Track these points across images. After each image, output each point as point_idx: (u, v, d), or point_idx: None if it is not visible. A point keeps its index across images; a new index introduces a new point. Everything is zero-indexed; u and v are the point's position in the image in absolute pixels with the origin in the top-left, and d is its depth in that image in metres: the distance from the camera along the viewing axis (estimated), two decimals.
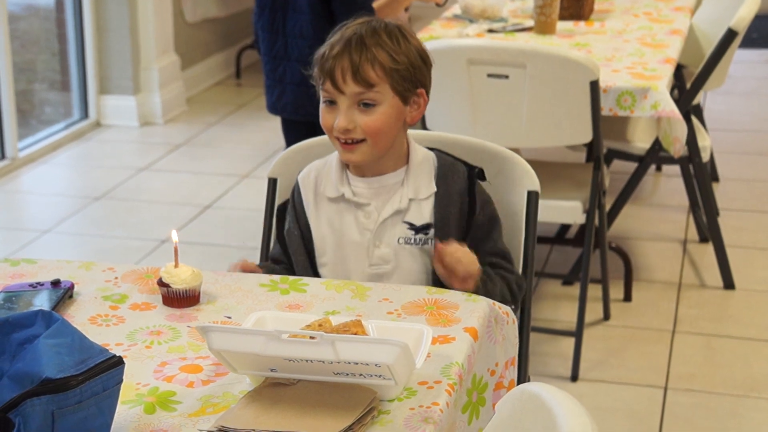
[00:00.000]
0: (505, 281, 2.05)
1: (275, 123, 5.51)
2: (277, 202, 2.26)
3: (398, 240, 2.05)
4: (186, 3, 5.94)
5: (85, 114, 5.54)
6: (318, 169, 2.12)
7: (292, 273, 2.10)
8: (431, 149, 2.11)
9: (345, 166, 2.09)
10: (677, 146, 3.17)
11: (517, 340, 1.93)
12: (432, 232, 2.04)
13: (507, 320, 1.89)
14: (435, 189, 2.05)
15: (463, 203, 2.05)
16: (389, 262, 2.05)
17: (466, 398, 1.71)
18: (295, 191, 2.14)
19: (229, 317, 1.82)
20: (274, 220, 2.22)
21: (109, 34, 5.47)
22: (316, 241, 2.10)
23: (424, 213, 2.05)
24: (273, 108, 3.64)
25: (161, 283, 1.85)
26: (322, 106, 2.02)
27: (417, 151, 2.09)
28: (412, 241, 2.05)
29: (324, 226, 2.09)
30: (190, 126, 5.56)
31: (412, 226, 2.05)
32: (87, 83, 5.50)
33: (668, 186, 4.68)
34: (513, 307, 2.02)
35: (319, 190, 2.10)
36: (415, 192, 2.05)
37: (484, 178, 2.10)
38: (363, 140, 2.01)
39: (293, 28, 3.47)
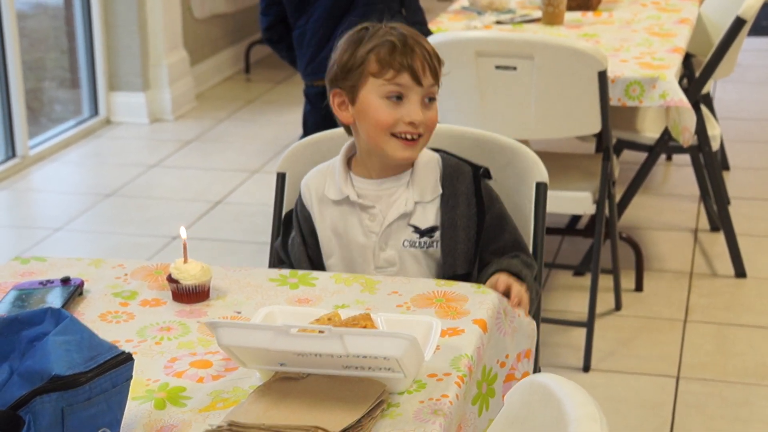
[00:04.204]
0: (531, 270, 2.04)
1: (285, 118, 5.53)
2: (286, 196, 2.26)
3: (403, 243, 2.04)
4: None
5: (94, 111, 5.55)
6: (322, 172, 2.11)
7: None
8: (435, 150, 2.10)
9: (348, 168, 2.07)
10: (686, 135, 3.16)
11: (534, 333, 1.93)
12: (437, 234, 2.03)
13: (518, 312, 1.89)
14: (441, 191, 2.04)
15: (470, 205, 2.03)
16: (394, 264, 2.04)
17: (476, 390, 1.71)
18: (298, 199, 2.13)
19: (239, 312, 1.82)
20: (280, 225, 2.22)
21: (118, 30, 5.48)
22: (323, 243, 2.09)
23: (428, 216, 2.03)
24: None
25: (171, 279, 1.86)
26: (384, 102, 1.98)
27: (422, 152, 2.07)
28: (417, 244, 2.03)
29: (328, 229, 2.08)
30: (200, 122, 5.57)
31: (416, 230, 2.03)
32: (96, 80, 5.51)
33: (678, 175, 4.67)
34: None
35: (323, 193, 2.08)
36: (421, 195, 2.03)
37: (490, 177, 2.08)
38: (420, 135, 2.00)
39: None
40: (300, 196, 2.12)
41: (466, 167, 2.07)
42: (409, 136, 1.99)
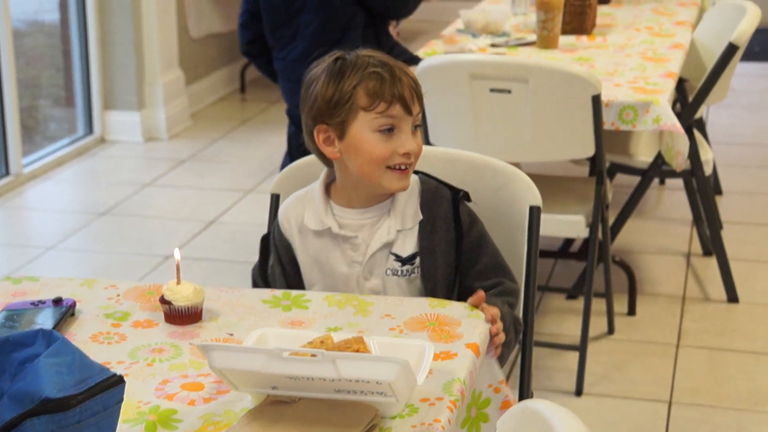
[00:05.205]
0: (511, 309, 2.01)
1: (280, 138, 5.53)
2: None
3: (386, 272, 2.02)
4: (190, 18, 5.96)
5: (89, 130, 5.55)
6: (300, 200, 2.07)
7: None
8: (415, 172, 2.07)
9: (328, 197, 2.04)
10: (679, 160, 3.17)
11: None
12: (418, 261, 2.01)
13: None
14: (421, 217, 2.01)
15: (449, 229, 2.01)
16: (379, 293, 2.01)
17: (465, 413, 1.71)
18: (275, 228, 2.09)
19: (231, 334, 1.82)
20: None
21: (114, 49, 5.49)
22: (305, 272, 2.06)
23: (409, 243, 2.01)
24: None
25: (163, 301, 1.85)
26: (377, 136, 1.94)
27: None
28: (399, 272, 2.01)
29: (309, 258, 2.05)
30: (194, 141, 5.57)
31: (398, 258, 2.01)
32: (91, 99, 5.52)
33: (671, 199, 4.68)
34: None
35: (303, 224, 2.04)
36: (402, 222, 2.00)
37: (469, 200, 2.05)
38: (411, 164, 1.98)
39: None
40: (278, 224, 2.08)
41: (446, 191, 2.04)
42: (403, 167, 1.96)
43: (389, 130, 1.95)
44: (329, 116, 1.96)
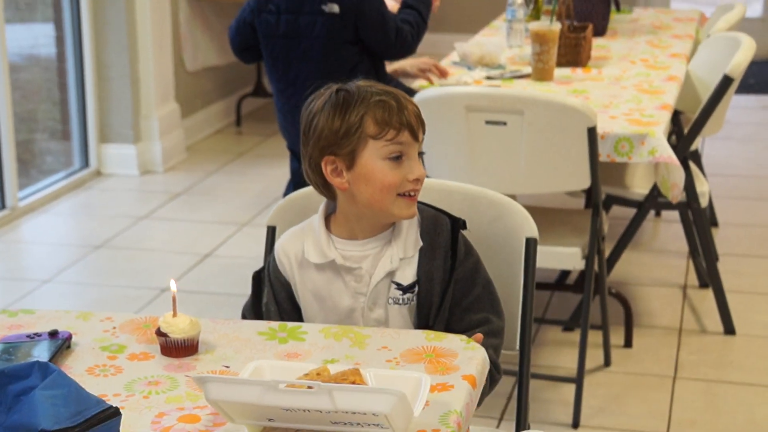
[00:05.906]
0: (495, 352, 2.01)
1: (275, 171, 5.54)
2: None
3: (389, 301, 2.01)
4: (186, 51, 5.98)
5: (85, 163, 5.56)
6: (297, 235, 2.06)
7: None
8: None
9: (328, 230, 2.03)
10: (675, 192, 3.18)
11: None
12: (416, 289, 2.00)
13: None
14: (421, 244, 2.01)
15: (447, 257, 2.01)
16: (383, 323, 2.01)
17: None
18: (271, 265, 2.07)
19: (228, 366, 1.81)
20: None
21: (110, 83, 5.51)
22: (305, 310, 2.05)
23: (409, 271, 2.01)
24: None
25: (159, 333, 1.85)
26: (387, 164, 1.94)
27: None
28: (401, 301, 2.01)
29: (309, 293, 2.04)
30: (190, 174, 5.58)
31: (399, 286, 2.00)
32: (87, 132, 5.53)
33: (667, 231, 4.69)
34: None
35: (303, 258, 2.03)
36: (404, 250, 2.00)
37: (465, 227, 2.05)
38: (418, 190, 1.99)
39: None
40: (274, 262, 2.07)
41: (445, 219, 2.04)
42: (413, 193, 1.97)
43: (398, 158, 1.95)
44: (337, 147, 1.96)
